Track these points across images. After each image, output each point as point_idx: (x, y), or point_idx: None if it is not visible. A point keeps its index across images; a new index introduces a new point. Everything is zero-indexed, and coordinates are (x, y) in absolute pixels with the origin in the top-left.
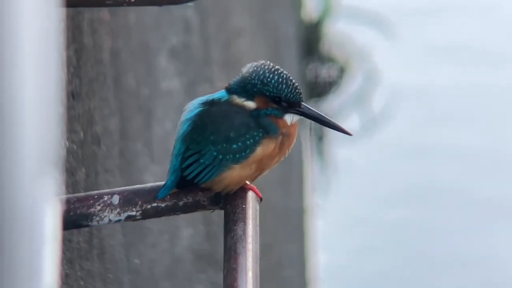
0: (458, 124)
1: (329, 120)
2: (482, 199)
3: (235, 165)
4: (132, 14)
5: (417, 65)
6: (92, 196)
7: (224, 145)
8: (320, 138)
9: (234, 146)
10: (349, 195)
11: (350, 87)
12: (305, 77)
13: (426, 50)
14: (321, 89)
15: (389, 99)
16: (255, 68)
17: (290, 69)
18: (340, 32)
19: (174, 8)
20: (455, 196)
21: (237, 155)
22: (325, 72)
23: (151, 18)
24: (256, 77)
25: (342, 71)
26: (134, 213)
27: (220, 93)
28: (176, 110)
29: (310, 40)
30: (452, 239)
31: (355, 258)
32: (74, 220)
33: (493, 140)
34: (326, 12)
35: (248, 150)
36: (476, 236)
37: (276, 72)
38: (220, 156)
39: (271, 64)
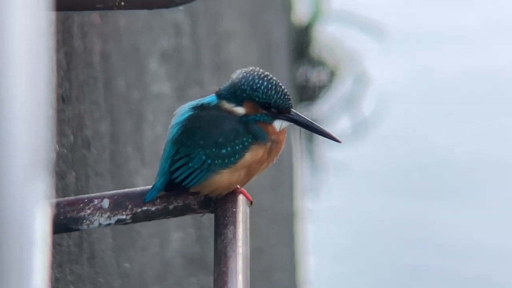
0: (451, 124)
1: (319, 126)
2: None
3: (223, 170)
4: (123, 17)
5: (407, 66)
6: (82, 200)
7: (213, 149)
8: (310, 140)
9: (223, 151)
10: (340, 198)
11: (340, 90)
12: (296, 80)
13: (415, 51)
14: (311, 93)
15: (380, 101)
16: (245, 74)
17: (280, 73)
18: (330, 36)
19: (164, 12)
20: (451, 196)
21: (226, 160)
22: (315, 75)
23: (142, 22)
24: (246, 83)
25: (332, 74)
26: (124, 216)
27: (210, 98)
28: (167, 114)
29: (301, 44)
30: (449, 239)
31: (345, 261)
32: (64, 223)
33: (489, 146)
34: (316, 16)
35: (237, 156)
36: (477, 231)
37: (265, 78)
38: (209, 161)
39: (261, 70)
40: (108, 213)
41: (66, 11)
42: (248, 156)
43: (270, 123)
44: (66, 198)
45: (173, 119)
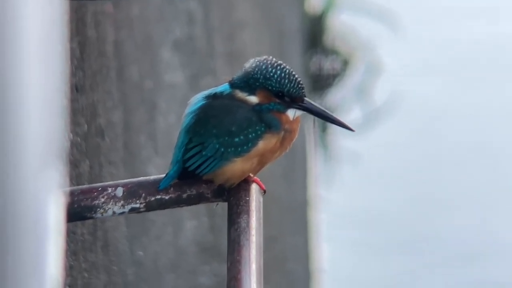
0: (465, 113)
1: (332, 115)
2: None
3: (236, 158)
4: (136, 6)
5: (420, 56)
6: (96, 188)
7: (226, 138)
8: (323, 129)
9: (236, 139)
10: (353, 187)
11: (353, 79)
12: (309, 69)
13: (429, 42)
14: (324, 82)
15: (392, 91)
16: (258, 63)
17: (293, 62)
18: (343, 25)
19: (177, 0)
20: (467, 185)
21: (239, 149)
22: (329, 64)
23: (155, 11)
24: (259, 72)
25: (345, 63)
26: (138, 205)
27: (223, 87)
28: (180, 103)
29: (314, 32)
30: (460, 226)
31: (358, 250)
32: (78, 212)
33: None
34: (330, 4)
35: (250, 144)
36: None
37: (278, 67)
38: (222, 149)
39: (274, 59)
40: (122, 202)
41: (80, 0)
42: (261, 145)
43: (284, 112)
44: (80, 187)
45: (186, 108)
